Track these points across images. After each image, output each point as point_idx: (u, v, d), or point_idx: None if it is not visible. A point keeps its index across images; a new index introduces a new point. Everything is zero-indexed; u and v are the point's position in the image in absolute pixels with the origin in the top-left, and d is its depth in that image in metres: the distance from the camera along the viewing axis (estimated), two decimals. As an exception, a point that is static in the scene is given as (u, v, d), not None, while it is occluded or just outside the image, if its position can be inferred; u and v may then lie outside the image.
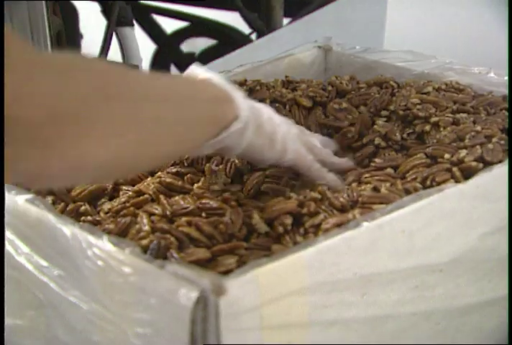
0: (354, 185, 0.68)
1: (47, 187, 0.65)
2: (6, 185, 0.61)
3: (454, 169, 0.67)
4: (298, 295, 0.53)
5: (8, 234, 0.58)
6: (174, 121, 0.54)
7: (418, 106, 0.77)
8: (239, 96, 0.62)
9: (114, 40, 1.35)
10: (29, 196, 0.59)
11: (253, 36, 1.61)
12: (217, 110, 0.59)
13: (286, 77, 0.90)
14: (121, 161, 0.51)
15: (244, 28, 1.66)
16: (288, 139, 0.66)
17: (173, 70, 1.85)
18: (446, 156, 0.69)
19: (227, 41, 1.69)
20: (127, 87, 0.51)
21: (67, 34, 1.20)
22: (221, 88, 0.61)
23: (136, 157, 0.52)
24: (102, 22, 1.38)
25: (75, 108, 0.46)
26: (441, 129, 0.74)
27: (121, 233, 0.59)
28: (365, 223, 0.57)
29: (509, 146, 0.70)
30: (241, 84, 0.87)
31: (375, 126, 0.77)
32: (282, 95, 0.84)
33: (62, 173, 0.47)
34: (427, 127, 0.75)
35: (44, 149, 0.45)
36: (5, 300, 0.61)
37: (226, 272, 0.55)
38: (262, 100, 0.85)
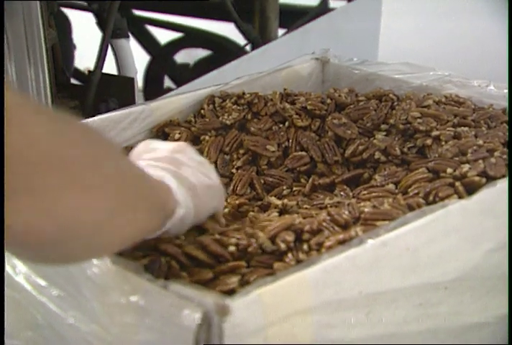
0: (353, 201, 0.67)
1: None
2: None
3: (457, 184, 0.67)
4: (303, 315, 0.52)
5: (6, 253, 0.57)
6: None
7: (418, 120, 0.77)
8: (173, 183, 0.57)
9: (109, 52, 1.35)
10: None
11: (248, 47, 1.61)
12: (160, 197, 0.54)
13: (285, 89, 0.89)
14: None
15: (239, 39, 1.65)
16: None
17: (167, 81, 1.85)
18: (449, 170, 0.69)
19: (222, 52, 1.68)
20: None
21: (62, 46, 1.20)
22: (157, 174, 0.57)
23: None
24: (96, 34, 1.37)
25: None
26: (443, 142, 0.74)
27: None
28: (369, 241, 0.56)
29: (509, 159, 0.69)
30: (240, 97, 0.87)
31: (375, 141, 0.77)
32: (283, 108, 0.83)
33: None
34: (428, 141, 0.75)
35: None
36: (4, 320, 0.59)
37: (229, 291, 0.54)
38: (260, 114, 0.85)
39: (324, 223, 0.61)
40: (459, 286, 0.62)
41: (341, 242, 0.58)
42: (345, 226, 0.62)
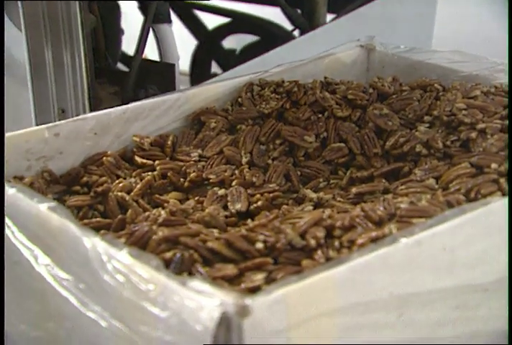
0: (389, 196, 0.64)
1: None
2: (29, 192, 0.59)
3: (501, 180, 0.63)
4: (328, 317, 0.50)
5: (28, 243, 0.56)
6: None
7: (463, 112, 0.73)
8: None
9: (152, 38, 1.33)
10: (52, 204, 0.57)
11: (295, 33, 1.57)
12: None
13: (325, 78, 0.86)
14: None
15: (286, 25, 1.62)
16: None
17: (214, 66, 1.83)
18: (493, 166, 0.65)
19: (269, 38, 1.65)
20: None
21: (107, 30, 1.19)
22: None
23: None
24: (142, 19, 1.36)
25: None
26: (489, 136, 0.70)
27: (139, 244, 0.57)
28: (403, 239, 0.53)
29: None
30: (279, 85, 0.84)
31: (417, 133, 0.73)
32: (322, 97, 0.80)
33: None
34: (473, 134, 0.71)
35: None
36: (26, 310, 0.59)
37: (254, 289, 0.52)
38: (299, 103, 0.83)
39: (357, 219, 0.59)
40: (500, 288, 0.59)
41: (374, 240, 0.55)
42: (379, 223, 0.59)
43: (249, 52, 1.61)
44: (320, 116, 0.81)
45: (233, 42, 1.82)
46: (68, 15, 0.86)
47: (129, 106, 0.79)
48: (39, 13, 0.86)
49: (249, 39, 1.75)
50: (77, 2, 0.86)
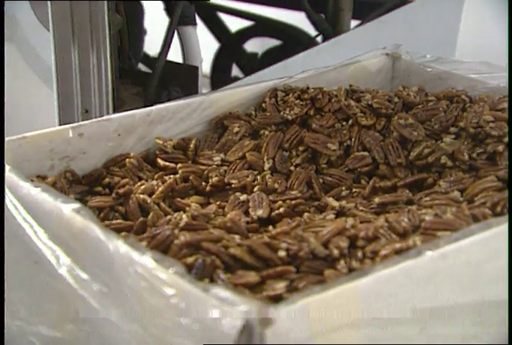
0: (413, 208, 0.63)
1: None
2: (53, 192, 0.59)
3: (528, 195, 0.62)
4: (351, 328, 0.49)
5: (50, 243, 0.56)
6: None
7: (491, 124, 0.72)
8: None
9: (176, 39, 1.33)
10: (76, 205, 0.57)
11: (319, 38, 1.57)
12: None
13: (350, 86, 0.86)
14: None
15: (310, 30, 1.62)
16: None
17: (235, 69, 1.83)
18: (520, 180, 0.64)
19: (292, 42, 1.65)
20: None
21: (131, 31, 1.19)
22: None
23: None
24: (166, 20, 1.36)
25: None
26: (516, 149, 0.69)
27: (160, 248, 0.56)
28: (428, 252, 0.52)
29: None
30: (303, 91, 0.84)
31: (442, 144, 0.73)
32: (347, 105, 0.80)
33: None
34: (500, 147, 0.70)
35: None
36: (45, 310, 0.59)
37: (275, 297, 0.52)
38: (323, 111, 0.82)
39: (381, 230, 0.58)
40: (523, 305, 0.58)
41: (398, 252, 0.55)
42: (403, 235, 0.58)
43: (271, 57, 1.61)
44: (344, 123, 0.80)
45: (255, 46, 1.82)
46: (96, 16, 0.86)
47: (153, 108, 0.78)
48: (68, 13, 0.86)
49: (271, 43, 1.75)
50: (105, 2, 0.86)
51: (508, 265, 0.59)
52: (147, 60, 1.59)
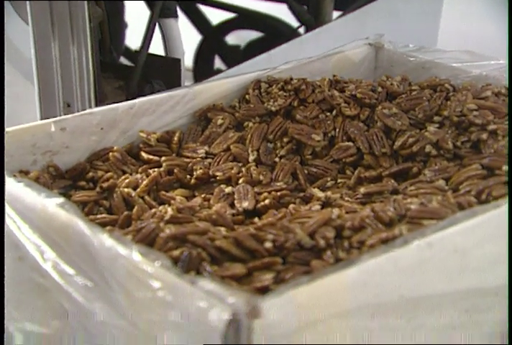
0: (399, 197, 0.63)
1: None
2: (36, 187, 0.59)
3: (513, 182, 0.62)
4: (339, 318, 0.49)
5: (34, 238, 0.56)
6: None
7: (474, 112, 0.72)
8: None
9: (157, 32, 1.32)
10: (60, 200, 0.56)
11: (301, 30, 1.56)
12: None
13: (334, 76, 0.86)
14: None
15: (292, 21, 1.61)
16: None
17: (217, 61, 1.82)
18: (505, 168, 0.64)
19: (274, 34, 1.64)
20: None
21: (111, 24, 1.18)
22: None
23: None
24: (147, 13, 1.35)
25: None
26: (500, 137, 0.69)
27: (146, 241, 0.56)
28: (414, 241, 0.52)
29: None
30: (287, 82, 0.83)
31: (426, 133, 0.73)
32: (331, 96, 0.79)
33: None
34: (484, 135, 0.70)
35: None
36: (30, 307, 0.58)
37: (262, 289, 0.51)
38: (307, 101, 0.82)
39: (367, 220, 0.58)
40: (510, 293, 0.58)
41: (384, 241, 0.55)
42: (389, 224, 0.58)
43: (254, 48, 1.61)
44: (328, 114, 0.80)
45: (237, 38, 1.81)
46: (75, 8, 0.85)
47: (136, 101, 0.78)
48: (47, 6, 0.85)
49: (253, 35, 1.74)
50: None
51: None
52: (128, 53, 1.58)
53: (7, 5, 1.05)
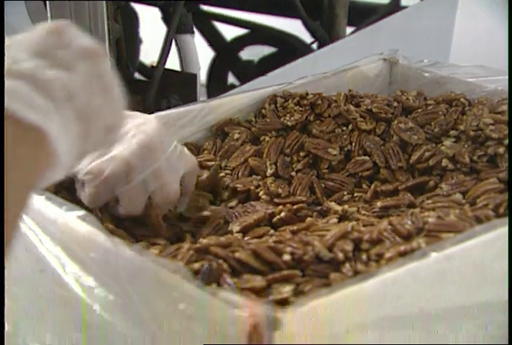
0: (416, 210, 0.64)
1: None
2: (57, 199, 0.59)
3: (531, 196, 0.62)
4: (358, 331, 0.49)
5: (56, 251, 0.56)
6: None
7: (491, 127, 0.72)
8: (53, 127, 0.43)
9: (173, 47, 1.34)
10: (81, 213, 0.57)
11: (315, 45, 1.58)
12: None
13: (350, 91, 0.86)
14: None
15: (305, 37, 1.62)
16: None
17: (231, 77, 1.83)
18: (522, 181, 0.65)
19: (288, 49, 1.66)
20: None
21: (127, 40, 1.19)
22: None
23: None
24: (163, 29, 1.36)
25: None
26: (516, 151, 0.70)
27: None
28: (433, 254, 0.52)
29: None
30: (302, 97, 0.84)
31: (442, 147, 0.73)
32: (347, 110, 0.80)
33: None
34: (500, 149, 0.70)
35: None
36: (51, 319, 0.58)
37: (282, 301, 0.52)
38: (322, 116, 0.82)
39: (385, 233, 0.58)
40: (529, 306, 0.58)
41: (403, 254, 0.55)
42: (407, 237, 0.58)
43: (267, 64, 1.62)
44: (344, 128, 0.81)
45: (250, 54, 1.82)
46: (96, 25, 0.86)
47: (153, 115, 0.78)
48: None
49: (266, 50, 1.76)
50: (104, 10, 0.86)
51: (508, 267, 0.59)
52: (143, 69, 1.59)
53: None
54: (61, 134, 0.44)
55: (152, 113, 0.80)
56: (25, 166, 0.42)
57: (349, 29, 1.56)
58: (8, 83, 0.42)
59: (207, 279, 0.54)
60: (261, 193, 0.71)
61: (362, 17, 1.54)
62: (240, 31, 1.80)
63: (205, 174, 0.72)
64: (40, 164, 0.44)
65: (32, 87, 0.43)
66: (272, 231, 0.65)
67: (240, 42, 1.80)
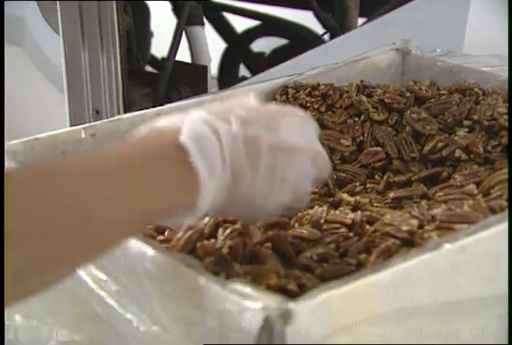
0: (423, 202, 0.63)
1: None
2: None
3: (546, 186, 0.62)
4: (371, 323, 0.49)
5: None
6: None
7: (505, 116, 0.71)
8: (204, 172, 0.47)
9: (184, 39, 1.33)
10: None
11: (326, 36, 1.57)
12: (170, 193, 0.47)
13: (361, 81, 0.85)
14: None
15: (317, 28, 1.61)
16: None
17: (242, 69, 1.83)
18: (537, 171, 0.64)
19: (299, 41, 1.65)
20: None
21: (138, 32, 1.19)
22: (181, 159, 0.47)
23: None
24: (173, 21, 1.36)
25: None
26: (531, 141, 0.69)
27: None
28: (446, 245, 0.52)
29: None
30: (314, 88, 0.83)
31: (456, 137, 0.72)
32: (359, 101, 0.79)
33: None
34: (515, 139, 0.70)
35: None
36: (63, 312, 0.58)
37: (294, 292, 0.51)
38: (334, 107, 0.82)
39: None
40: (544, 297, 0.57)
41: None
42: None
43: (278, 56, 1.61)
44: (356, 119, 0.80)
45: (262, 46, 1.81)
46: (105, 16, 0.86)
47: (164, 107, 0.78)
48: (77, 16, 0.86)
49: (278, 42, 1.75)
50: (114, 3, 0.86)
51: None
52: (154, 61, 1.59)
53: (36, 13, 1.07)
54: (210, 185, 0.47)
55: (162, 104, 0.79)
56: (169, 188, 0.46)
57: (360, 20, 1.54)
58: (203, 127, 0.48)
59: (218, 271, 0.53)
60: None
61: (374, 8, 1.52)
62: (251, 23, 1.79)
63: None
64: (181, 197, 0.47)
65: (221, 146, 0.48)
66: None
67: (251, 34, 1.79)
